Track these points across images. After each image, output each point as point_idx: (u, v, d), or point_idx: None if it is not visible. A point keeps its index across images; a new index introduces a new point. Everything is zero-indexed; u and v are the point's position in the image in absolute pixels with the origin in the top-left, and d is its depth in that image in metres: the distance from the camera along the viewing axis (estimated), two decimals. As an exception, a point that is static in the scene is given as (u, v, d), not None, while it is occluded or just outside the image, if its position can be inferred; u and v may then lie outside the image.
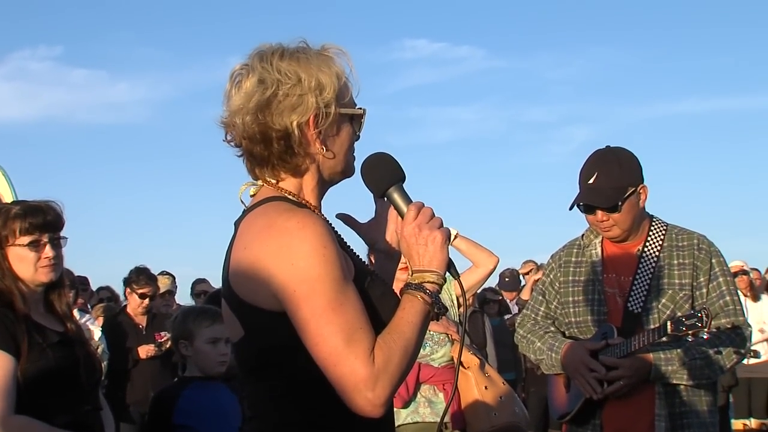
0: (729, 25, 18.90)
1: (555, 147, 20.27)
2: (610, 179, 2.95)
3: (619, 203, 2.93)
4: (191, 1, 19.31)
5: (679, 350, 2.88)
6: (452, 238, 4.13)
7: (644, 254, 3.01)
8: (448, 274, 1.71)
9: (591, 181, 2.96)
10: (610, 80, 19.74)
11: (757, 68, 18.73)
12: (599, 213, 2.97)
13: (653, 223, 3.07)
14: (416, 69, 20.03)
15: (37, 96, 19.68)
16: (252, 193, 1.78)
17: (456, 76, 20.22)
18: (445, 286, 3.43)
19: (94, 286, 8.32)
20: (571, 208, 3.02)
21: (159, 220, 17.41)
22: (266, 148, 1.70)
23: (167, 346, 6.09)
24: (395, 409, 3.75)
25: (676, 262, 2.98)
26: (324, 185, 1.79)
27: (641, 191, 3.00)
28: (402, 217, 1.74)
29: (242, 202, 1.78)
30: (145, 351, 6.22)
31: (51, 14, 18.42)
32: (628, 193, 2.95)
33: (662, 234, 3.04)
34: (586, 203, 2.98)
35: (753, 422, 8.47)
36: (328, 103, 1.68)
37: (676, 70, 19.36)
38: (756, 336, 7.27)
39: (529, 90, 19.74)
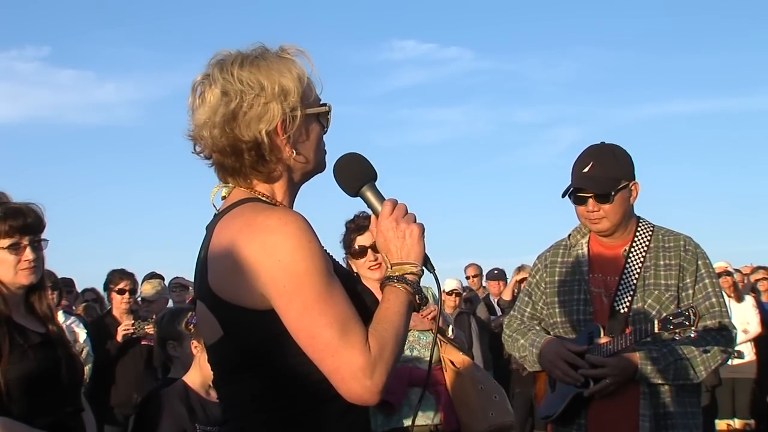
0: (716, 26, 19.04)
1: (543, 148, 20.32)
2: (606, 169, 2.96)
3: (612, 193, 2.94)
4: (179, 0, 19.24)
5: (664, 350, 2.88)
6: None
7: (631, 254, 3.01)
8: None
9: (586, 170, 2.97)
10: (598, 81, 19.84)
11: (745, 69, 18.87)
12: (590, 203, 2.97)
13: (640, 224, 3.08)
14: (405, 70, 20.06)
15: (24, 97, 19.57)
16: (224, 195, 1.78)
17: (444, 77, 20.25)
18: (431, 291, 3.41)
19: (79, 288, 8.26)
20: (563, 196, 3.03)
21: (146, 221, 17.32)
22: (237, 159, 1.69)
23: (146, 330, 6.02)
24: (384, 414, 3.72)
25: (662, 262, 2.98)
26: (295, 186, 1.79)
27: (633, 187, 3.02)
28: (376, 215, 1.76)
29: (214, 205, 1.78)
30: (121, 331, 6.13)
31: (38, 15, 18.31)
32: (621, 186, 2.96)
33: (649, 235, 3.04)
34: (579, 188, 2.98)
35: (737, 422, 8.50)
36: (294, 107, 1.68)
37: (664, 70, 19.48)
38: (740, 336, 7.30)
39: (517, 91, 19.78)
